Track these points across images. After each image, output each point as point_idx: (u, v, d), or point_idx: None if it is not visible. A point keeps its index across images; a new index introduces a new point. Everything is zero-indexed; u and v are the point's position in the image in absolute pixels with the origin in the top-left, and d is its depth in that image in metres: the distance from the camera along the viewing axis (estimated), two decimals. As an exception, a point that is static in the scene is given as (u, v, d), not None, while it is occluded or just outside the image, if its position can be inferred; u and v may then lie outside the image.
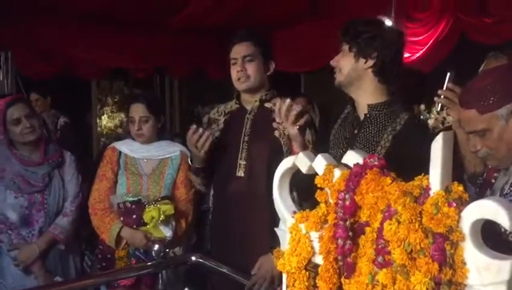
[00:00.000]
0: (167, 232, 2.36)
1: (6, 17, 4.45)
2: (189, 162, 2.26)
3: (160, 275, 2.12)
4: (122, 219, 2.42)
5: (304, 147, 1.86)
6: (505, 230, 1.26)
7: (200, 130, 2.08)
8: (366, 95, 1.74)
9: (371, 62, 1.70)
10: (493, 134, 1.32)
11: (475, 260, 0.98)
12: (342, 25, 1.81)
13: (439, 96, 1.63)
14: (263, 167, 2.09)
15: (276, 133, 2.11)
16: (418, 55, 4.15)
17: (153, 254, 2.18)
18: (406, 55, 4.32)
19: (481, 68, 1.90)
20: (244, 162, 2.16)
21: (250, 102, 2.23)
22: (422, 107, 3.77)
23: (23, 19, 4.58)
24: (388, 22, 4.13)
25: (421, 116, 3.56)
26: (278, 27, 4.81)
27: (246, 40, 2.19)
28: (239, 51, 2.17)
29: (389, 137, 1.67)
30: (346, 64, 1.73)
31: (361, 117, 1.77)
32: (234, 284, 2.05)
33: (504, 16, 3.52)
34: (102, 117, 6.72)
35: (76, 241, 2.71)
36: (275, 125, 2.13)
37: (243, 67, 2.15)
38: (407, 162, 1.20)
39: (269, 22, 4.61)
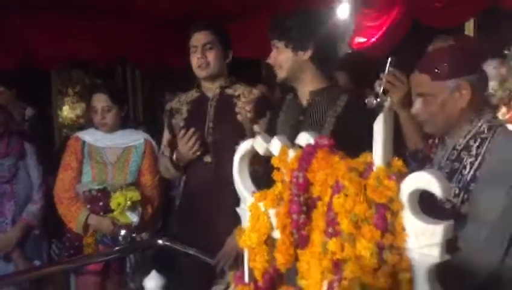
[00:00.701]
0: (134, 218, 2.42)
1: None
2: (174, 160, 2.32)
3: (127, 259, 2.18)
4: (89, 206, 2.46)
5: None
6: (441, 199, 1.39)
7: (195, 134, 2.18)
8: (307, 83, 1.84)
9: (309, 52, 1.79)
10: (437, 100, 1.45)
11: (413, 225, 1.09)
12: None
13: (381, 80, 1.74)
14: (229, 151, 2.16)
15: (239, 118, 2.20)
16: (373, 39, 4.28)
17: (120, 239, 2.24)
18: (362, 39, 4.46)
19: (429, 49, 2.03)
20: (211, 148, 2.25)
21: (211, 89, 2.30)
22: (380, 89, 3.90)
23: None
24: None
25: (378, 99, 3.66)
26: (237, 18, 4.84)
27: (205, 29, 2.27)
28: (199, 38, 2.25)
29: (332, 120, 1.79)
30: (286, 60, 1.82)
31: (304, 104, 1.86)
32: (201, 265, 2.14)
33: (452, 0, 3.68)
34: (64, 108, 6.63)
35: (44, 229, 2.77)
36: (237, 110, 2.21)
37: (203, 55, 2.23)
38: (350, 140, 1.30)
39: (228, 13, 4.64)
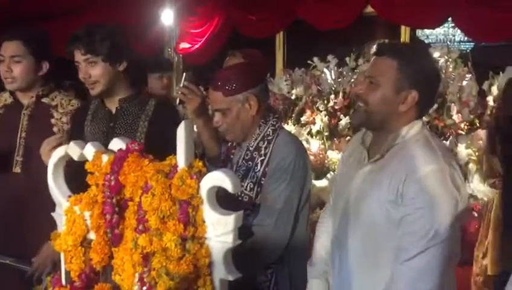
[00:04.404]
0: None
1: None
2: None
3: None
4: None
5: None
6: (239, 194, 1.62)
7: None
8: (118, 92, 1.93)
9: (125, 64, 1.89)
10: (232, 113, 1.67)
11: (211, 217, 1.27)
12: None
13: (177, 92, 1.91)
14: (41, 160, 2.09)
15: (55, 129, 2.14)
16: (197, 46, 4.52)
17: None
18: (187, 45, 4.66)
19: (224, 63, 2.25)
20: (22, 159, 2.14)
21: (26, 97, 2.19)
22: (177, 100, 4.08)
23: None
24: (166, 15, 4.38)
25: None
26: (62, 15, 4.64)
27: (15, 38, 2.10)
28: (7, 49, 2.09)
29: (145, 123, 1.90)
30: (104, 74, 1.86)
31: (113, 110, 1.94)
32: (17, 275, 2.06)
33: (264, 14, 4.09)
34: None
35: None
36: (53, 121, 2.16)
37: (9, 68, 2.08)
38: (163, 142, 1.42)
39: (52, 10, 4.43)
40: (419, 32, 5.07)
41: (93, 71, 1.86)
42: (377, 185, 1.40)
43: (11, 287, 2.11)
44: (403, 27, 4.33)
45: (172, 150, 1.34)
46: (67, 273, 1.49)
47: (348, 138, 3.63)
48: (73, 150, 1.51)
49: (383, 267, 1.39)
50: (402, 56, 1.41)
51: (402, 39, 4.27)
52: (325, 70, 4.07)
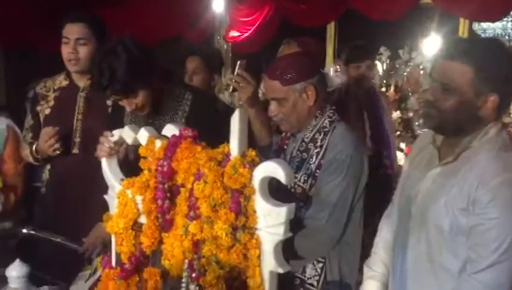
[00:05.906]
0: (-5, 207, 2.32)
1: None
2: (34, 153, 2.22)
3: (-12, 249, 2.10)
4: None
5: None
6: (292, 185, 1.59)
7: (57, 132, 2.07)
8: (159, 99, 1.86)
9: (157, 77, 1.82)
10: (289, 103, 1.63)
11: (262, 208, 1.26)
12: None
13: (231, 80, 1.85)
14: (97, 142, 2.12)
15: (110, 110, 2.18)
16: (247, 34, 4.49)
17: (-20, 229, 2.14)
18: (236, 34, 4.65)
19: (279, 51, 2.20)
20: (79, 140, 2.19)
21: (82, 80, 2.23)
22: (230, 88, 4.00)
23: None
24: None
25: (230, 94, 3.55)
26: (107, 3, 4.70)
27: (80, 21, 2.13)
28: (72, 31, 2.13)
29: (183, 120, 1.84)
30: (148, 99, 1.79)
31: None
32: (68, 253, 2.12)
33: (316, 3, 4.02)
34: None
35: None
36: (109, 102, 2.20)
37: (75, 50, 2.12)
38: (203, 137, 1.40)
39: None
40: (475, 26, 4.84)
41: (138, 101, 1.80)
42: (447, 190, 1.31)
43: (63, 265, 2.17)
44: (461, 19, 4.15)
45: (214, 144, 1.33)
46: (118, 255, 1.51)
47: (398, 132, 3.54)
48: (127, 134, 1.52)
49: (446, 274, 1.32)
50: (478, 61, 1.28)
51: (460, 32, 4.10)
52: (377, 62, 3.97)
